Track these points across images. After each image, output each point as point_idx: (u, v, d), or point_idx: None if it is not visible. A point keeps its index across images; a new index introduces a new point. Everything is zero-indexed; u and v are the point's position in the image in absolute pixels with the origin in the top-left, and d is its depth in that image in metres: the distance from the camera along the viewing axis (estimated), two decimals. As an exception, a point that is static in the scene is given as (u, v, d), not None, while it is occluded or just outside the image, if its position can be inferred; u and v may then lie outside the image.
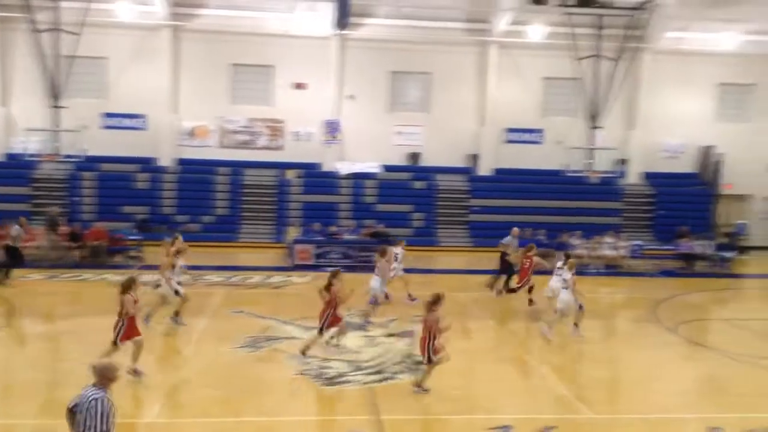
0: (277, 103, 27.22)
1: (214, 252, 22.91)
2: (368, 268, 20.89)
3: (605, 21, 24.03)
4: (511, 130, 27.82)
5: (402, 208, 26.28)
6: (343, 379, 10.91)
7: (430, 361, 10.30)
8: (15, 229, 17.75)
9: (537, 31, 26.14)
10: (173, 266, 13.81)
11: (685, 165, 28.40)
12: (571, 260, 14.21)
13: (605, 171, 24.05)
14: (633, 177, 27.85)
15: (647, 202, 27.45)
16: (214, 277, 18.91)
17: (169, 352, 12.40)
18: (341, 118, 27.04)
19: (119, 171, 26.05)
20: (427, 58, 27.18)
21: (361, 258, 21.24)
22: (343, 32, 25.46)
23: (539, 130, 27.88)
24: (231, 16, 25.77)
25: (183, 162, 26.88)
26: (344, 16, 23.39)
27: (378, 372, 11.27)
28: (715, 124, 28.21)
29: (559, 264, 14.78)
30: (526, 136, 27.94)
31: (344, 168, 26.84)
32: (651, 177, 28.02)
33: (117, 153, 26.18)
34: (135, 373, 10.32)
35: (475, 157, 27.71)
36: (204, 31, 26.09)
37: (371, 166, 27.10)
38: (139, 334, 10.58)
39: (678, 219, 25.37)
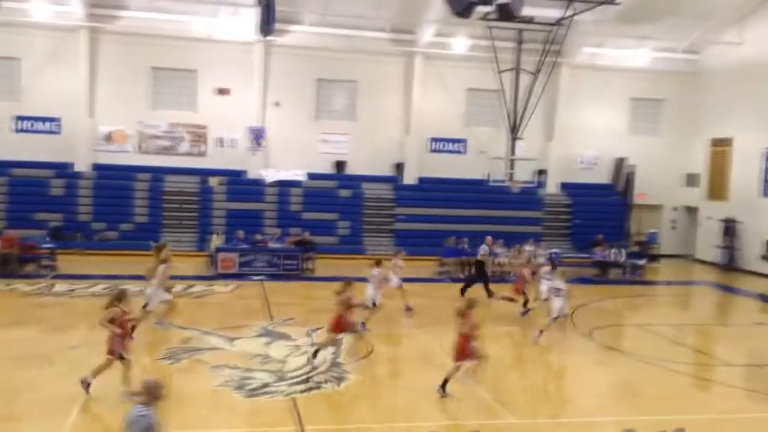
0: (200, 108, 26.70)
1: (132, 261, 22.21)
2: (293, 276, 20.87)
3: (525, 35, 24.75)
4: (436, 140, 28.23)
5: (328, 216, 26.22)
6: (267, 389, 10.78)
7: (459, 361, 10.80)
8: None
9: (460, 43, 26.65)
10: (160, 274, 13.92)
11: (600, 176, 29.50)
12: (561, 269, 15.13)
13: (526, 181, 24.70)
14: (552, 187, 28.72)
15: (565, 212, 28.35)
16: (132, 286, 18.31)
17: (83, 366, 11.91)
18: (266, 125, 26.77)
19: (32, 176, 24.92)
20: (353, 66, 27.28)
21: (286, 266, 21.08)
22: (268, 38, 25.23)
23: (462, 140, 28.40)
24: (152, 18, 25.11)
25: (100, 167, 25.96)
26: (269, 22, 23.18)
27: (303, 382, 11.19)
28: (628, 136, 29.44)
29: (547, 270, 15.30)
30: (450, 146, 28.40)
31: (269, 175, 26.56)
32: (568, 187, 28.98)
33: (30, 157, 25.05)
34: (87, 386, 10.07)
35: (400, 166, 27.96)
36: (124, 33, 25.34)
37: (297, 174, 26.92)
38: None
39: (593, 228, 26.30)
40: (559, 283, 14.38)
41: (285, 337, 13.94)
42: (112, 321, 10.22)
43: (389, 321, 16.17)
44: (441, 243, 23.37)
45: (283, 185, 26.31)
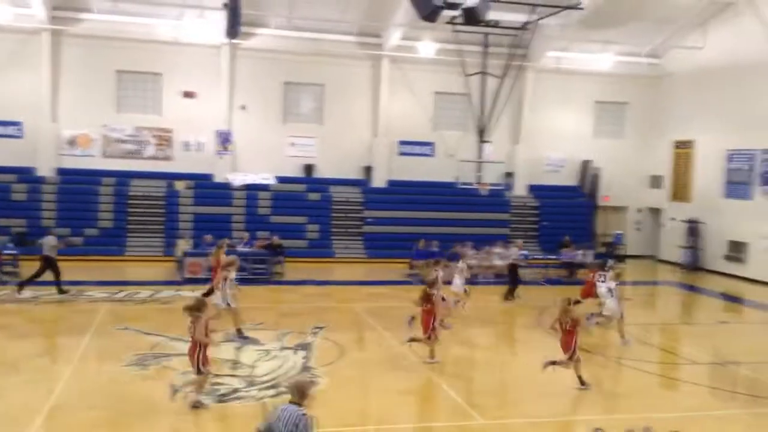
0: (166, 112, 26.39)
1: (98, 266, 21.88)
2: (262, 280, 20.71)
3: (491, 39, 24.98)
4: (404, 143, 28.30)
5: (297, 220, 26.11)
6: (236, 395, 10.67)
7: (570, 358, 11.38)
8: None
9: (427, 47, 26.77)
10: (225, 278, 13.86)
11: (566, 178, 29.85)
12: (615, 270, 15.73)
13: (494, 183, 24.90)
14: (519, 189, 28.98)
15: (533, 214, 28.62)
16: (98, 292, 18.03)
17: (47, 373, 11.67)
18: (233, 129, 26.57)
19: (-8, 181, 24.41)
20: (321, 69, 27.22)
21: (254, 270, 20.90)
22: (234, 41, 25.05)
23: (431, 143, 28.51)
24: (116, 21, 24.76)
25: (64, 172, 25.50)
26: (235, 25, 22.98)
27: (273, 386, 11.09)
28: (593, 139, 29.86)
29: (601, 272, 15.73)
30: (418, 149, 28.49)
31: (237, 179, 26.36)
32: (536, 189, 29.26)
33: (-10, 162, 24.56)
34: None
35: (368, 169, 27.97)
36: (87, 36, 24.93)
37: (265, 178, 26.76)
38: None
39: (561, 229, 26.58)
40: (612, 284, 15.04)
41: (255, 341, 13.81)
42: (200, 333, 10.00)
43: (359, 324, 16.16)
44: (410, 246, 23.43)
45: (251, 189, 26.13)
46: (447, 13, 18.75)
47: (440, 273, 15.12)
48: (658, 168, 29.65)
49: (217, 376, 11.46)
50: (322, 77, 27.36)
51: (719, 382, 12.58)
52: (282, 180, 26.87)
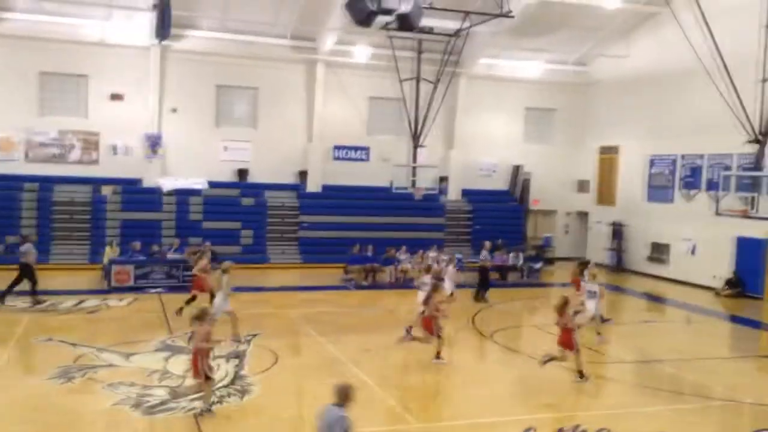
0: (92, 114, 25.57)
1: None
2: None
3: (425, 46, 25.25)
4: (339, 148, 28.26)
5: (230, 225, 25.69)
6: (166, 406, 10.41)
7: (577, 352, 12.26)
8: (27, 246, 17.80)
9: (362, 52, 26.84)
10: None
11: (498, 183, 30.41)
12: (592, 271, 16.33)
13: (428, 188, 25.14)
14: (453, 194, 29.35)
15: (466, 218, 29.03)
16: (20, 302, 17.29)
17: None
18: (163, 132, 25.98)
19: None
20: (254, 72, 26.92)
21: (186, 278, 20.44)
22: (164, 43, 24.51)
23: (366, 148, 28.57)
24: (40, 21, 23.84)
25: (-17, 177, 24.39)
26: (165, 27, 22.50)
27: (205, 396, 10.86)
28: (524, 144, 30.53)
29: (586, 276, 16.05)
30: (353, 154, 28.51)
31: (167, 184, 25.75)
32: (469, 194, 29.70)
33: None
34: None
35: (303, 174, 27.80)
36: (9, 36, 23.90)
37: (196, 182, 26.25)
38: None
39: (493, 233, 27.03)
40: (592, 286, 15.51)
41: (185, 351, 13.50)
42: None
43: (294, 330, 16.03)
44: (345, 250, 23.41)
45: (182, 194, 25.59)
46: (381, 19, 18.83)
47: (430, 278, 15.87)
48: (584, 173, 30.56)
49: (146, 387, 11.18)
50: (255, 80, 27.06)
51: (644, 379, 13.03)
52: (215, 185, 26.41)
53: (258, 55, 26.36)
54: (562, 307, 12.42)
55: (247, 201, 26.34)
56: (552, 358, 12.39)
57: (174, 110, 26.10)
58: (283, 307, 18.45)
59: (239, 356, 13.17)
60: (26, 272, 17.35)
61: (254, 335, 14.81)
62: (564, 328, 12.35)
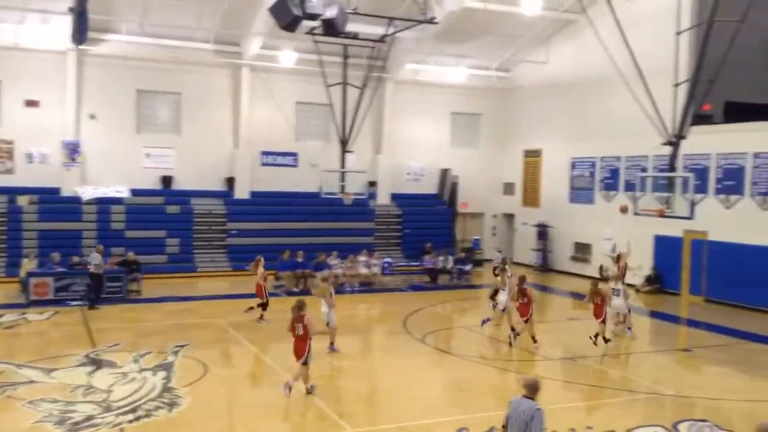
0: (6, 122, 24.42)
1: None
2: (117, 299, 19.65)
3: (351, 51, 25.24)
4: (267, 153, 27.94)
5: (155, 234, 24.99)
6: (91, 422, 10.03)
7: (603, 321, 14.89)
8: (94, 257, 18.93)
9: (288, 56, 26.65)
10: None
11: (427, 186, 30.73)
12: (609, 272, 17.75)
13: (357, 193, 25.13)
14: (382, 198, 29.47)
15: (396, 222, 29.20)
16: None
17: None
18: (82, 139, 25.06)
19: None
20: (177, 77, 26.31)
21: (109, 289, 19.80)
22: (82, 47, 23.64)
23: (294, 154, 28.35)
24: (-54, 23, 22.69)
25: None
26: (82, 31, 21.66)
27: (132, 411, 10.54)
28: (451, 148, 30.97)
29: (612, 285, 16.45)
30: (281, 159, 28.24)
31: (87, 193, 24.84)
32: (398, 198, 29.90)
33: None
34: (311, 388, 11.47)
35: (231, 180, 27.35)
36: None
37: (118, 191, 25.44)
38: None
39: (423, 236, 27.35)
40: (617, 285, 16.20)
41: (110, 364, 13.07)
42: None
43: (224, 339, 15.73)
44: (276, 257, 23.14)
45: (103, 203, 24.74)
46: (307, 24, 18.77)
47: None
48: (510, 175, 31.25)
49: (69, 403, 10.75)
50: (178, 85, 26.45)
51: (571, 376, 13.40)
52: (137, 192, 25.67)
53: (180, 59, 25.81)
54: (596, 287, 15.17)
55: (172, 209, 25.69)
56: (597, 335, 14.87)
57: (93, 117, 25.24)
58: (212, 317, 18.08)
59: (167, 368, 12.82)
60: (96, 280, 18.88)
61: (182, 346, 14.46)
62: (597, 303, 15.00)
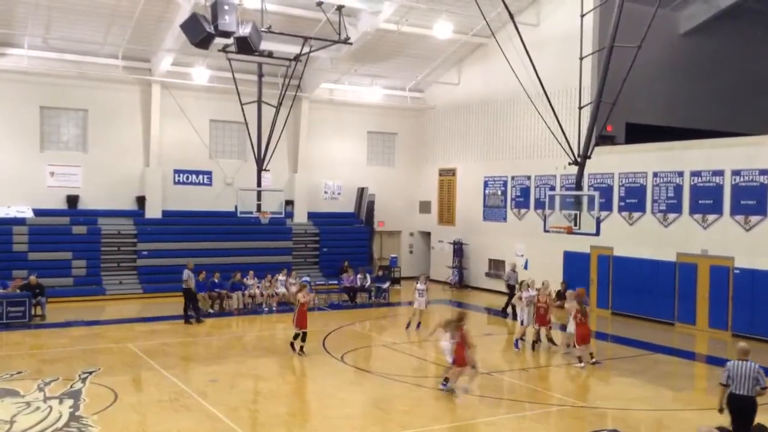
0: None
1: None
2: (20, 325, 18.63)
3: (266, 69, 25.09)
4: (179, 172, 27.28)
5: (60, 256, 23.86)
6: (-8, 457, 9.45)
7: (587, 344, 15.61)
8: (186, 273, 20.06)
9: (201, 73, 26.21)
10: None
11: (344, 205, 30.79)
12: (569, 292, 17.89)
13: (274, 212, 24.88)
14: (300, 217, 29.28)
15: (313, 240, 29.06)
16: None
17: None
18: (-20, 158, 23.77)
19: None
20: (83, 94, 25.37)
21: (10, 314, 18.79)
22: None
23: (208, 172, 27.82)
24: None
25: None
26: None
27: (36, 442, 9.99)
28: (368, 167, 31.19)
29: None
30: (195, 178, 27.64)
31: (-15, 213, 23.54)
32: (315, 216, 29.79)
33: None
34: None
35: (142, 199, 26.51)
36: None
37: (20, 210, 24.22)
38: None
39: (340, 255, 27.36)
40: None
41: (12, 393, 12.36)
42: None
43: (135, 364, 15.17)
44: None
45: (4, 223, 23.49)
46: (220, 41, 18.57)
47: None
48: (426, 194, 31.75)
49: (-35, 438, 10.09)
50: (85, 102, 25.52)
51: (487, 390, 13.64)
52: (41, 212, 24.50)
53: (86, 75, 24.97)
54: (581, 306, 15.79)
55: (78, 229, 24.64)
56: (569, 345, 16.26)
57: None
58: (122, 341, 17.41)
59: (75, 396, 12.23)
60: (189, 296, 19.90)
61: (90, 372, 13.87)
62: (580, 322, 15.60)
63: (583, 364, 15.38)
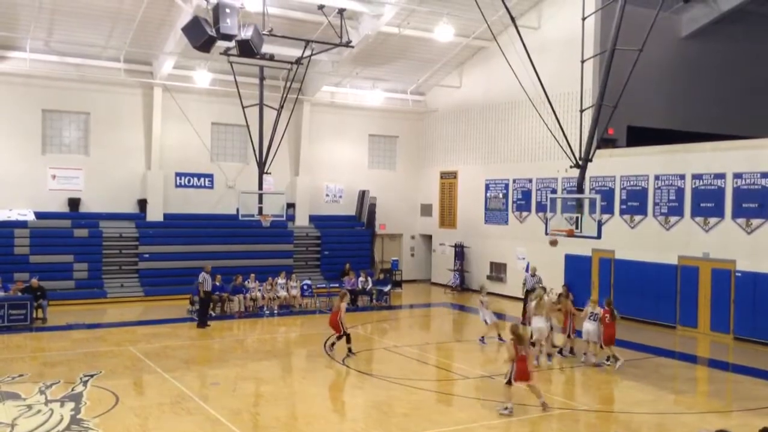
0: None
1: None
2: (21, 328, 18.65)
3: (267, 72, 25.13)
4: (181, 175, 27.32)
5: (62, 259, 23.90)
6: (-7, 460, 9.45)
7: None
8: (202, 276, 20.13)
9: (203, 77, 26.24)
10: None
11: (345, 208, 30.80)
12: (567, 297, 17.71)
13: (275, 215, 24.90)
14: (301, 220, 29.29)
15: (315, 243, 29.07)
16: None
17: None
18: (-18, 161, 23.81)
19: None
20: (85, 97, 25.42)
21: (12, 317, 18.81)
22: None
23: (210, 175, 27.85)
24: None
25: None
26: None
27: (37, 446, 10.00)
28: (369, 170, 31.22)
29: (590, 309, 16.24)
30: (197, 181, 27.68)
31: (-13, 216, 23.57)
32: (316, 219, 29.80)
33: None
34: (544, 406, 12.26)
35: (143, 203, 26.53)
36: None
37: (21, 214, 24.26)
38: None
39: (342, 258, 27.34)
40: (593, 309, 16.33)
41: (14, 396, 12.37)
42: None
43: (136, 367, 15.17)
44: (191, 281, 22.53)
45: (5, 226, 23.52)
46: (222, 44, 18.61)
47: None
48: (427, 197, 31.75)
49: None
50: (87, 105, 25.56)
51: (488, 393, 13.62)
52: (42, 216, 24.54)
53: (88, 78, 25.01)
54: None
55: (80, 232, 24.67)
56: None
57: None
58: (124, 344, 17.42)
59: (76, 399, 12.24)
60: (206, 300, 20.09)
61: (91, 375, 13.87)
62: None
63: (620, 361, 15.38)
